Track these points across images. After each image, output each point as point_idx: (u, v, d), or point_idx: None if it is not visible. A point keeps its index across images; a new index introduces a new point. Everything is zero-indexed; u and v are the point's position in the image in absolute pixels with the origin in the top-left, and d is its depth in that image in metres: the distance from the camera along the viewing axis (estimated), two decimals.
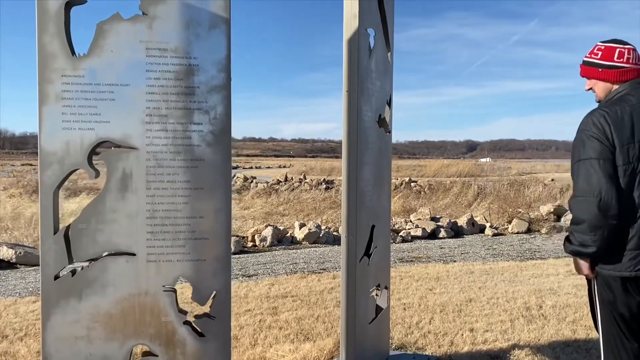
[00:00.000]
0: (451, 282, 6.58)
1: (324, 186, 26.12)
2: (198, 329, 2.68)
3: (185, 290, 3.88)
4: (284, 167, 57.12)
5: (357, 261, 3.15)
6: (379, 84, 3.46)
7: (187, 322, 2.66)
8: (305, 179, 29.88)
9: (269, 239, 9.74)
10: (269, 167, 57.12)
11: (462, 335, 4.55)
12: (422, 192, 23.16)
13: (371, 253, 3.41)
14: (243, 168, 56.99)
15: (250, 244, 9.80)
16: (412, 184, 26.42)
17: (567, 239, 2.49)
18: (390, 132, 3.82)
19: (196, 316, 2.72)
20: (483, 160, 79.09)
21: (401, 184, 26.50)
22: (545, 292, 6.06)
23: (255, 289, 6.32)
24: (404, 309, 5.38)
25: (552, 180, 27.47)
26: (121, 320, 2.57)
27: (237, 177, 30.13)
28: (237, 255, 8.81)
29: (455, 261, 8.26)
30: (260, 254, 9.05)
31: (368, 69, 3.22)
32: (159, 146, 2.56)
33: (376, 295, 3.71)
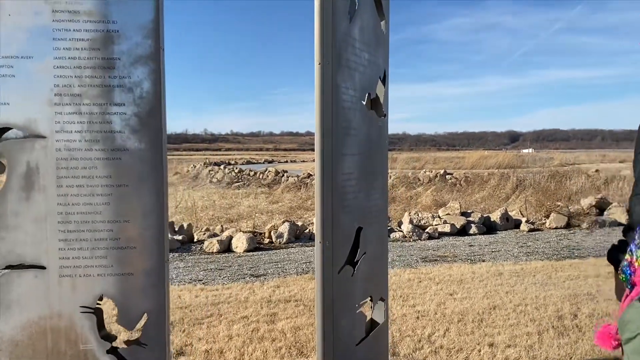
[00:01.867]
0: (475, 286, 5.92)
1: None
2: (126, 358, 2.17)
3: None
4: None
5: (334, 272, 2.59)
6: (367, 56, 2.86)
7: (112, 350, 2.16)
8: None
9: (285, 236, 9.25)
10: (304, 161, 56.73)
11: (480, 351, 3.93)
12: (458, 185, 22.29)
13: (357, 261, 2.84)
14: (278, 162, 56.84)
15: (266, 241, 9.34)
16: (447, 177, 25.56)
17: (615, 247, 1.77)
18: (385, 115, 3.23)
19: (127, 342, 2.22)
20: (525, 151, 76.78)
21: (435, 176, 25.66)
22: (581, 298, 5.34)
23: (258, 291, 5.82)
24: (417, 317, 4.78)
25: (597, 171, 26.03)
26: (29, 349, 2.09)
27: (269, 171, 29.90)
28: (251, 253, 8.35)
29: (483, 261, 7.56)
30: (275, 251, 8.56)
31: (348, 37, 2.64)
32: (72, 133, 2.06)
33: (370, 308, 3.14)
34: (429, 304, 5.22)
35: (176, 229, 9.43)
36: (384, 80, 3.19)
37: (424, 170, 32.06)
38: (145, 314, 2.16)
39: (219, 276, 6.77)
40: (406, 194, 19.56)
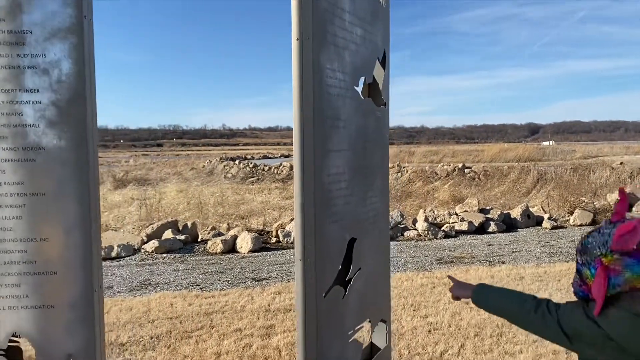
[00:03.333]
0: None
1: None
2: None
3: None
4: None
5: (319, 296, 2.12)
6: (360, 32, 2.38)
7: None
8: None
9: (293, 234, 8.78)
10: None
11: None
12: (477, 179, 21.66)
13: (350, 279, 2.36)
14: None
15: (273, 240, 8.90)
16: (465, 170, 24.90)
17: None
18: (385, 104, 2.74)
19: None
20: (545, 143, 75.41)
21: (453, 170, 25.03)
22: None
23: (257, 298, 5.38)
24: (429, 331, 4.29)
25: (621, 163, 25.11)
26: None
27: (284, 166, 29.54)
28: (256, 254, 7.92)
29: (503, 262, 7.02)
30: (282, 251, 8.12)
31: (335, 7, 2.15)
32: None
33: (369, 332, 2.67)
34: (442, 314, 4.72)
35: (180, 228, 9.05)
36: (384, 63, 2.70)
37: (442, 164, 31.38)
38: (71, 358, 1.71)
39: (219, 280, 6.34)
40: (423, 189, 19.01)
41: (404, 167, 27.99)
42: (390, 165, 30.91)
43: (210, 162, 35.57)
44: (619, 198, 1.55)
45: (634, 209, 10.88)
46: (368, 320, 2.59)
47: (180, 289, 5.94)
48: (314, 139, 2.03)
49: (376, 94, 2.66)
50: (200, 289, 5.96)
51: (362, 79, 2.43)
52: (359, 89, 2.44)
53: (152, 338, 4.21)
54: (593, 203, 11.01)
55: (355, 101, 2.36)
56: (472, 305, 4.52)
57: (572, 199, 11.36)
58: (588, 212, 10.33)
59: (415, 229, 9.54)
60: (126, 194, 18.90)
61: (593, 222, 10.16)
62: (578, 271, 1.59)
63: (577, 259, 1.61)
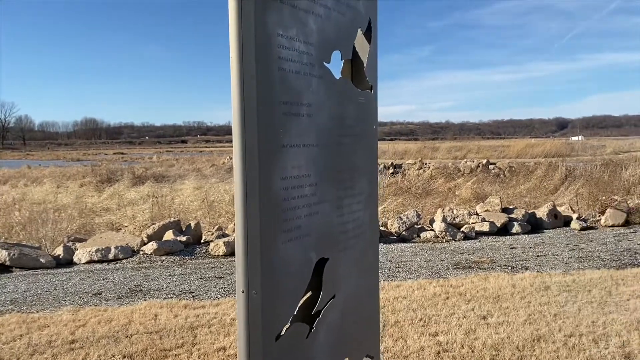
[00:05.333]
0: (516, 305, 4.82)
1: (391, 170, 24.43)
2: None
3: None
4: None
5: (267, 338, 1.60)
6: None
7: None
8: None
9: None
10: None
11: None
12: (501, 176, 20.86)
13: (319, 311, 1.84)
14: None
15: None
16: (489, 167, 24.11)
17: None
18: (371, 88, 2.20)
19: None
20: (574, 138, 73.54)
21: (477, 166, 24.25)
22: None
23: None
24: (438, 353, 3.74)
25: None
26: None
27: None
28: None
29: (527, 268, 6.40)
30: None
31: None
32: None
33: None
34: (455, 330, 4.16)
35: (183, 229, 8.63)
36: (369, 35, 2.16)
37: (466, 160, 30.54)
38: None
39: (215, 287, 5.88)
40: (444, 186, 18.35)
41: (426, 164, 27.29)
42: (412, 161, 30.25)
43: (230, 158, 35.36)
44: None
45: None
46: (347, 359, 2.06)
47: (171, 297, 5.49)
48: (258, 130, 1.51)
49: (359, 74, 2.13)
50: (193, 297, 5.50)
51: (335, 54, 1.90)
52: (334, 66, 1.92)
53: (124, 358, 3.76)
54: (626, 202, 10.25)
55: (327, 82, 1.83)
56: (490, 320, 3.93)
57: (603, 197, 10.61)
58: (621, 211, 9.59)
59: (433, 230, 8.95)
60: (142, 191, 18.66)
61: (627, 223, 9.41)
62: None
63: None
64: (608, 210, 9.68)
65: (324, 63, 1.82)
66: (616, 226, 9.31)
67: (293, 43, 1.64)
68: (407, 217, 9.05)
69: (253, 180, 1.52)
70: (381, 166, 25.88)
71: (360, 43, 2.12)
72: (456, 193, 16.36)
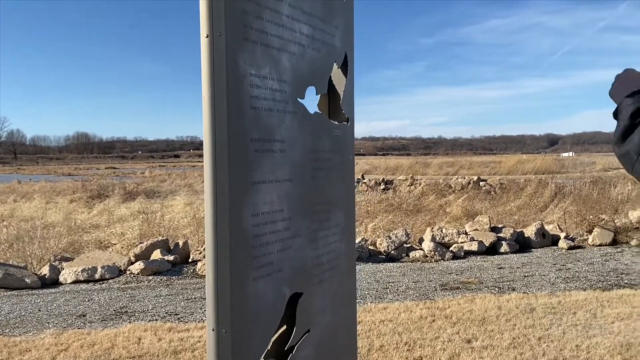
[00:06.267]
0: (501, 328, 4.82)
1: (382, 187, 24.47)
2: None
3: None
4: None
5: None
6: (306, 30, 1.87)
7: None
8: (364, 179, 28.28)
9: None
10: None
11: None
12: (492, 192, 20.95)
13: (292, 347, 1.84)
14: None
15: None
16: (480, 183, 24.21)
17: None
18: (347, 121, 2.23)
19: None
20: (565, 154, 74.13)
21: (468, 183, 24.34)
22: (637, 350, 4.19)
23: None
24: None
25: None
26: None
27: None
28: None
29: (514, 289, 6.42)
30: None
31: None
32: None
33: None
34: (439, 355, 4.15)
35: (171, 247, 8.59)
36: (346, 69, 2.20)
37: (457, 176, 30.68)
38: None
39: (200, 308, 5.84)
40: (435, 203, 18.40)
41: (418, 180, 27.39)
42: (404, 177, 30.31)
43: None
44: None
45: None
46: None
47: (156, 319, 5.45)
48: (230, 167, 1.53)
49: (335, 108, 2.15)
50: (178, 319, 5.46)
51: (310, 89, 1.93)
52: (309, 100, 1.94)
53: None
54: (614, 221, 10.32)
55: (301, 117, 1.85)
56: (474, 344, 3.91)
57: (591, 216, 10.68)
58: (608, 230, 9.65)
59: (422, 249, 8.96)
60: (133, 207, 18.56)
61: (614, 242, 9.47)
62: None
63: None
64: (595, 229, 9.74)
65: (298, 99, 1.84)
66: (604, 245, 9.36)
67: (266, 82, 1.66)
68: (396, 236, 9.06)
69: (223, 218, 1.53)
70: (372, 182, 25.95)
71: (337, 77, 2.15)
72: (447, 210, 16.40)
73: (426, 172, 41.37)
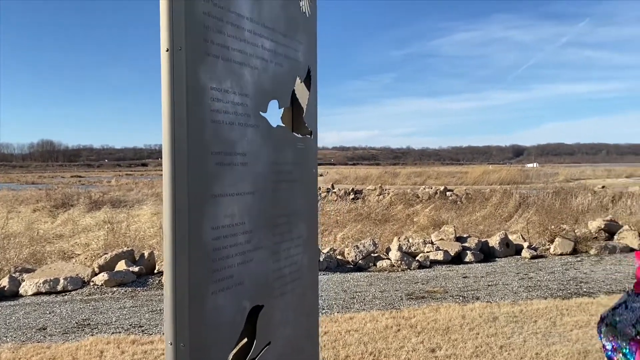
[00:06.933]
0: (464, 336, 4.90)
1: (352, 196, 24.59)
2: None
3: None
4: (321, 175, 56.22)
5: None
6: (269, 45, 1.90)
7: None
8: (334, 188, 28.39)
9: None
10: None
11: None
12: (459, 202, 21.29)
13: (254, 359, 1.84)
14: None
15: None
16: (447, 193, 24.57)
17: None
18: (311, 134, 2.25)
19: None
20: (530, 165, 75.88)
21: (435, 193, 24.67)
22: (594, 356, 4.31)
23: None
24: None
25: (603, 187, 24.97)
26: None
27: None
28: None
29: (477, 298, 6.53)
30: None
31: (226, 11, 1.68)
32: None
33: None
34: None
35: (137, 258, 8.44)
36: (309, 83, 2.23)
37: (424, 186, 31.08)
38: None
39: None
40: (403, 212, 18.59)
41: (386, 190, 27.66)
42: (373, 187, 30.53)
43: None
44: (637, 264, 1.30)
45: (615, 237, 10.50)
46: None
47: (119, 332, 5.35)
48: (189, 181, 1.53)
49: (298, 121, 2.18)
50: (142, 331, 5.38)
51: (273, 103, 1.95)
52: (272, 114, 1.96)
53: None
54: (574, 231, 10.61)
55: (263, 131, 1.87)
56: (438, 354, 3.96)
57: (553, 226, 10.96)
58: (569, 240, 9.92)
59: (389, 259, 9.03)
60: (98, 217, 18.18)
61: (574, 252, 9.73)
62: (609, 359, 1.34)
63: (604, 344, 1.39)
64: (557, 238, 10.00)
65: (261, 113, 1.86)
66: (564, 254, 9.61)
67: (227, 95, 1.68)
68: (364, 246, 9.12)
69: (182, 231, 1.54)
70: (342, 192, 26.06)
71: (300, 91, 2.18)
72: (414, 220, 16.58)
73: (395, 182, 41.80)
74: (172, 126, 1.53)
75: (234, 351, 1.78)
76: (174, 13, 1.51)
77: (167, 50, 1.53)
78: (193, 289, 1.55)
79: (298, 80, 2.14)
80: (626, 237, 10.25)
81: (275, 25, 1.94)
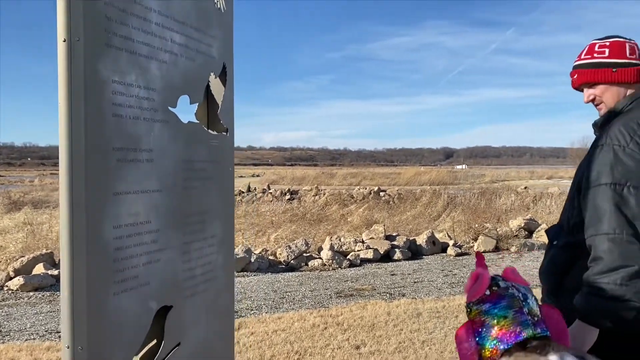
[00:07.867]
0: (389, 333, 5.00)
1: (287, 197, 24.56)
2: None
3: None
4: (258, 176, 55.76)
5: None
6: (178, 39, 1.85)
7: None
8: (270, 189, 28.28)
9: None
10: (241, 177, 55.09)
11: None
12: (391, 202, 21.74)
13: None
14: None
15: None
16: (380, 194, 25.04)
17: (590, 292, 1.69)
18: (227, 131, 2.22)
19: None
20: (459, 167, 78.68)
21: (369, 193, 25.07)
22: None
23: None
24: None
25: (525, 188, 26.29)
26: None
27: None
28: None
29: (404, 295, 6.69)
30: None
31: (131, 2, 1.62)
32: None
33: None
34: None
35: (56, 262, 8.04)
36: (224, 79, 2.19)
37: (359, 187, 31.54)
38: None
39: None
40: (338, 213, 18.76)
41: (322, 190, 27.82)
42: (309, 188, 30.61)
43: None
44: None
45: (534, 235, 11.08)
46: None
47: (34, 338, 5.08)
48: (87, 178, 1.47)
49: (212, 117, 2.14)
50: (59, 337, 5.12)
51: (184, 98, 1.90)
52: (183, 110, 1.92)
53: None
54: (496, 229, 11.10)
55: (172, 126, 1.82)
56: (362, 350, 4.00)
57: (476, 225, 11.41)
58: (491, 238, 10.37)
59: (320, 258, 9.09)
60: (17, 219, 17.17)
61: (496, 249, 10.19)
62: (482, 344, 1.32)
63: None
64: (480, 237, 10.43)
65: (170, 108, 1.81)
66: (487, 252, 10.02)
67: (131, 89, 1.62)
68: (296, 246, 9.13)
69: (80, 230, 1.47)
70: (278, 192, 25.99)
71: (216, 87, 2.14)
72: (348, 219, 16.78)
73: (331, 183, 42.14)
74: (69, 120, 1.45)
75: (142, 353, 1.72)
76: (71, 1, 1.44)
77: (64, 41, 1.45)
78: (92, 290, 1.48)
79: (213, 76, 2.10)
80: (544, 235, 10.82)
81: (186, 19, 1.90)
